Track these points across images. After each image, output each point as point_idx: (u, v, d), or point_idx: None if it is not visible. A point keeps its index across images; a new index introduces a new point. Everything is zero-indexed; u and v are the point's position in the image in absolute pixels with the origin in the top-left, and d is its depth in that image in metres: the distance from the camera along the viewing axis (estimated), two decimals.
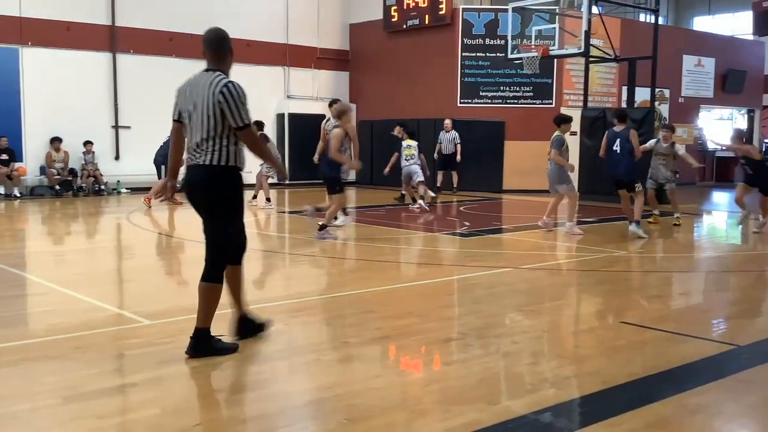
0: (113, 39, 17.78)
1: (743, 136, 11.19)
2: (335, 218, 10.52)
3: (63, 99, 16.98)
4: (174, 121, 4.73)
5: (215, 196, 4.58)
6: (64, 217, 13.74)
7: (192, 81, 4.63)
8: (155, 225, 12.38)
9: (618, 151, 10.53)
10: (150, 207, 14.10)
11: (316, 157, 11.49)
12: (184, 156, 4.75)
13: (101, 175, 17.42)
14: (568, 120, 10.93)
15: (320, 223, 10.01)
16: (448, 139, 17.45)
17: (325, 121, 11.65)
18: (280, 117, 20.56)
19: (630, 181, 10.55)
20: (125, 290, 7.33)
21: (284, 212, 14.14)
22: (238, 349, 4.71)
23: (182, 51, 18.14)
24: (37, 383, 4.14)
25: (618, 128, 10.72)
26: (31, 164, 16.95)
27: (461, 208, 14.94)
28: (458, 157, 17.33)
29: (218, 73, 4.57)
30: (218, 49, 4.66)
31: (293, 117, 20.38)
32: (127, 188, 17.85)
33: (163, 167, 14.42)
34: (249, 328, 4.98)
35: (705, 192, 20.31)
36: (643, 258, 9.23)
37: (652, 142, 12.24)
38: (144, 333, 5.21)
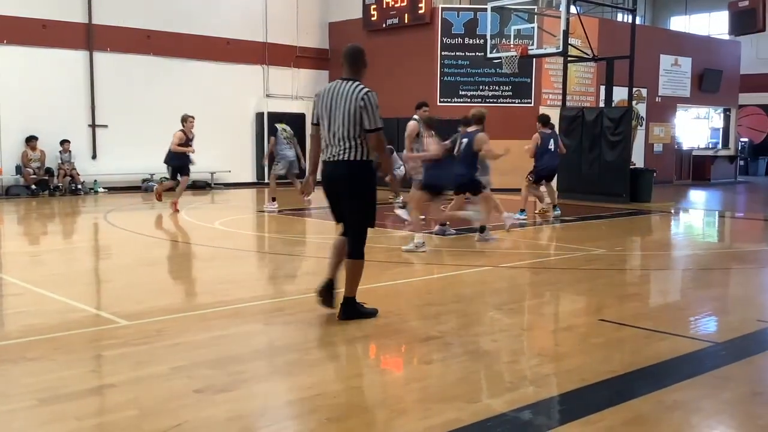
0: (90, 37, 17.58)
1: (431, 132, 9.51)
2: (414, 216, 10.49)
3: (39, 97, 16.77)
4: (313, 125, 5.52)
5: (359, 185, 5.37)
6: (40, 216, 13.59)
7: (331, 88, 5.39)
8: (133, 225, 12.27)
9: (553, 150, 12.47)
10: (178, 211, 13.08)
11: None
12: (322, 157, 5.48)
13: (78, 174, 17.22)
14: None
15: (479, 225, 9.96)
16: None
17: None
18: (259, 116, 20.44)
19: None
20: (102, 291, 7.27)
21: (271, 212, 14.03)
22: (377, 313, 5.55)
23: (160, 49, 18.03)
24: (14, 385, 4.10)
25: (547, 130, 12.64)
26: (6, 163, 16.75)
27: (441, 207, 14.89)
28: None
29: (358, 82, 5.36)
30: (354, 62, 5.47)
31: (272, 116, 20.28)
32: (104, 188, 17.69)
33: (168, 167, 13.47)
34: (331, 295, 5.58)
35: (681, 190, 20.52)
36: (620, 256, 9.30)
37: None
38: (122, 334, 5.17)
